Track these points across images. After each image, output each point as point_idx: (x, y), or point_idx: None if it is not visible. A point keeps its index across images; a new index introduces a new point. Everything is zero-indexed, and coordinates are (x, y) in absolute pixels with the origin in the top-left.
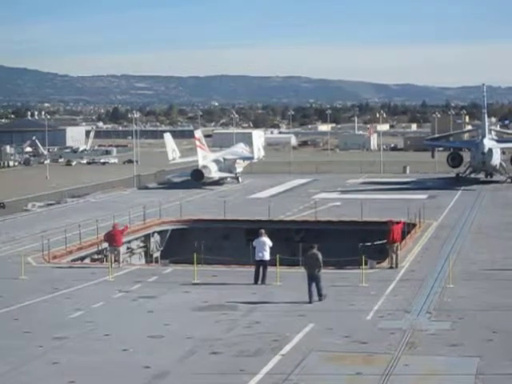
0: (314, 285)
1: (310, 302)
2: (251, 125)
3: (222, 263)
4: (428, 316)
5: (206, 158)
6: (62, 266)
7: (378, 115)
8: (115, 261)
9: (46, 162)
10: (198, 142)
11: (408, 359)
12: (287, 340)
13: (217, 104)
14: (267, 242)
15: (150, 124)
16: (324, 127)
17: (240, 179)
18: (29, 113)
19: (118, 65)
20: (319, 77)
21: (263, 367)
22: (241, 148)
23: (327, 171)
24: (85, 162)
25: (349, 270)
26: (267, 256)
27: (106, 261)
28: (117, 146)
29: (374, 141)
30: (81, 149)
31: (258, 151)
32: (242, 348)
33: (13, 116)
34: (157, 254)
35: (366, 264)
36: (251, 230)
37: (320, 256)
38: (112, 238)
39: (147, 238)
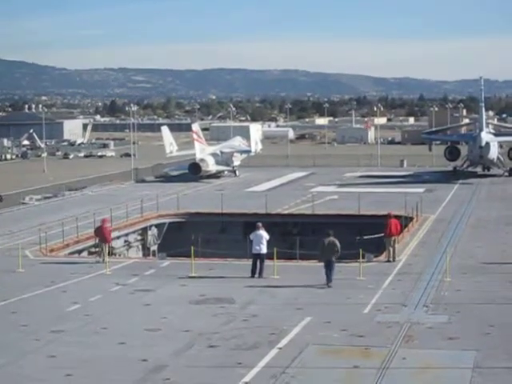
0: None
1: (329, 286)
2: (249, 118)
3: (220, 256)
4: (425, 309)
5: (203, 152)
6: (59, 259)
7: (375, 109)
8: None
9: (43, 155)
10: (195, 136)
11: (405, 353)
12: (284, 333)
13: (214, 97)
14: (264, 235)
15: (147, 117)
16: (321, 121)
17: (237, 172)
18: (26, 106)
19: (116, 58)
20: (317, 70)
21: (260, 360)
22: (238, 141)
23: (325, 165)
24: (82, 155)
25: (346, 263)
26: (264, 249)
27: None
28: (114, 140)
29: (371, 134)
30: (78, 142)
31: (256, 144)
32: (239, 341)
33: (10, 109)
34: (154, 248)
35: (363, 257)
36: (248, 223)
37: (338, 243)
38: (100, 233)
39: (144, 231)
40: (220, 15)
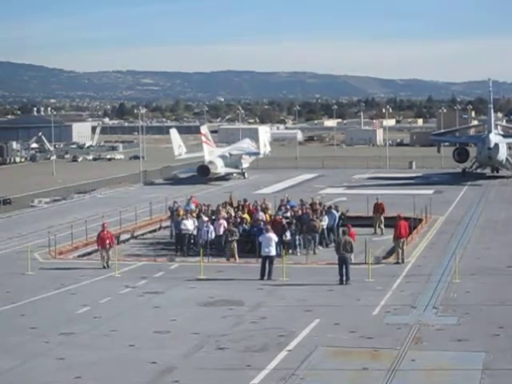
0: (344, 268)
1: (342, 284)
2: (257, 120)
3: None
4: (434, 311)
5: (212, 154)
6: (69, 261)
7: (383, 110)
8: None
9: (52, 157)
10: (204, 138)
11: (414, 354)
12: (293, 335)
13: (223, 100)
14: (273, 237)
15: (156, 120)
16: (330, 122)
17: (246, 175)
18: (35, 109)
19: (124, 60)
20: (325, 72)
21: (269, 363)
22: (247, 143)
23: (333, 166)
24: (91, 157)
25: (355, 265)
26: (273, 251)
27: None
28: (123, 142)
29: (380, 136)
30: (87, 145)
31: (264, 147)
32: (248, 343)
33: (19, 112)
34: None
35: (372, 259)
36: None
37: (352, 241)
38: (98, 239)
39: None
40: (228, 17)
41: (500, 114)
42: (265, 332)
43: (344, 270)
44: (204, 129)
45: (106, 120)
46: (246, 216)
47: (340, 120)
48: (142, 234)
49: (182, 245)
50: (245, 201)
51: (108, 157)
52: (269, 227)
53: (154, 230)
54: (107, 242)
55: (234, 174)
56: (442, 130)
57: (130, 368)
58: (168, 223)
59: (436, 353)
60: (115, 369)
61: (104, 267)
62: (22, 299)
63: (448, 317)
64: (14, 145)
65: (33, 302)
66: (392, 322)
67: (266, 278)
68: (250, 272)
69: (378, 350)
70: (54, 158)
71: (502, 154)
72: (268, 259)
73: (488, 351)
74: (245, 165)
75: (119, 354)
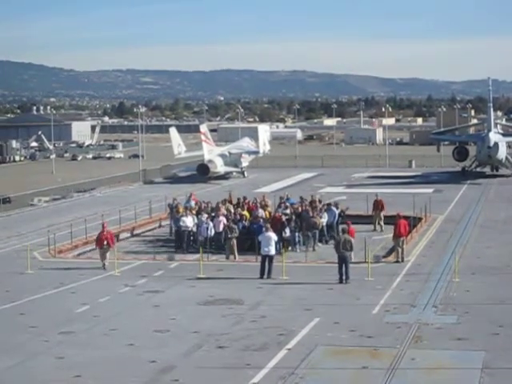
0: (344, 267)
1: (341, 282)
2: (257, 119)
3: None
4: (434, 310)
5: (211, 153)
6: (68, 260)
7: (383, 109)
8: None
9: (51, 156)
10: (203, 137)
11: (414, 353)
12: (293, 334)
13: (222, 98)
14: (273, 236)
15: (155, 118)
16: (330, 121)
17: (246, 173)
18: (34, 107)
19: (124, 59)
20: (325, 71)
21: (269, 361)
22: (246, 142)
23: (333, 165)
24: (90, 156)
25: (355, 263)
26: (273, 250)
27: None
28: (122, 141)
29: (379, 135)
30: (86, 143)
31: (264, 145)
32: (248, 342)
33: (18, 111)
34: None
35: (371, 258)
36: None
37: (352, 240)
38: (98, 239)
39: None
40: (228, 17)
41: (499, 113)
42: (264, 331)
43: (344, 268)
44: (203, 128)
45: (106, 119)
46: (245, 213)
47: (340, 119)
48: (142, 233)
49: (182, 242)
50: (244, 198)
51: (107, 156)
52: (268, 226)
53: (154, 229)
54: (105, 242)
55: (234, 173)
56: (442, 129)
57: (130, 367)
58: (168, 221)
59: (436, 351)
60: (115, 368)
61: (104, 267)
62: (21, 298)
63: (448, 316)
64: (14, 143)
65: (32, 300)
66: (392, 320)
67: (265, 276)
68: (250, 271)
69: (378, 349)
70: (53, 156)
71: (502, 153)
72: (268, 258)
73: (488, 350)
74: (244, 164)
75: (119, 353)
